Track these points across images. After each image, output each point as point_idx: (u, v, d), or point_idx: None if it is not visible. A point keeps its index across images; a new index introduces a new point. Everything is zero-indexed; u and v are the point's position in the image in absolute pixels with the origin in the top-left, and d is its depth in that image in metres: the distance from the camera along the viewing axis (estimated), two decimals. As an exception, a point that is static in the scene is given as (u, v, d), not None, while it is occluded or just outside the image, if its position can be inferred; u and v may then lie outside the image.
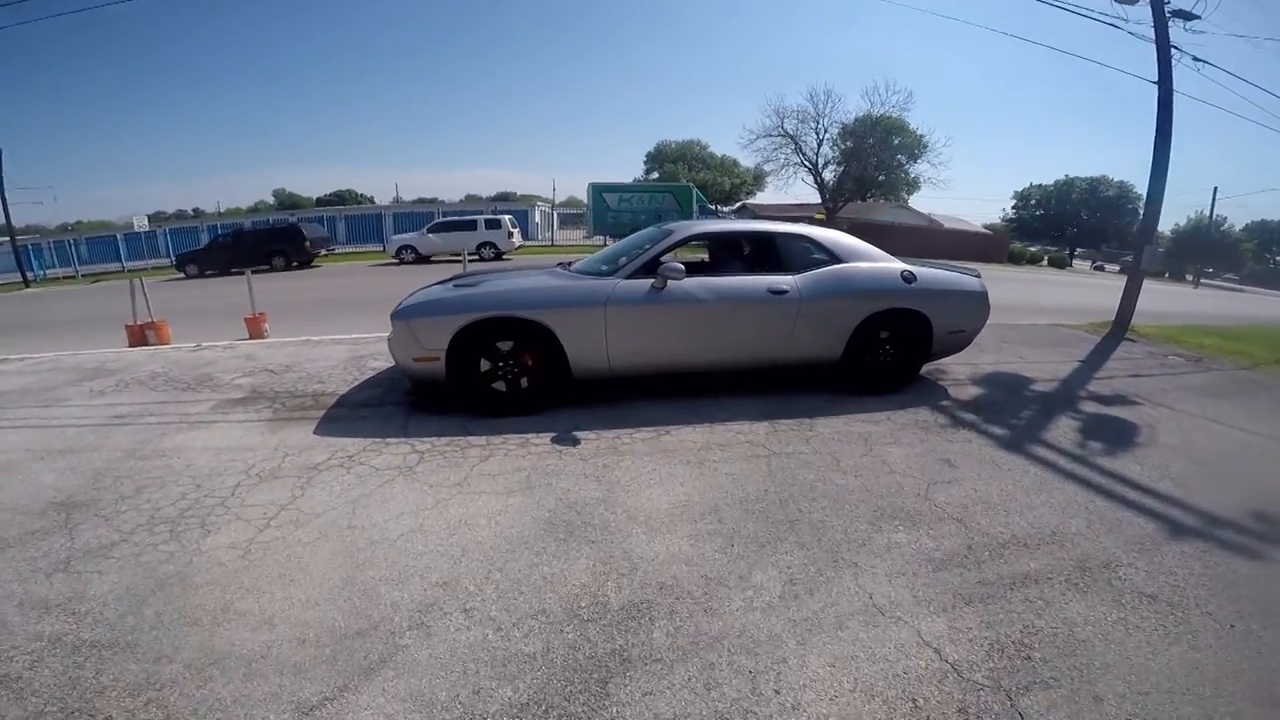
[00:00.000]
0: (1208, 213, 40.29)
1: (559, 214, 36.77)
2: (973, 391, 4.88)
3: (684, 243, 4.38)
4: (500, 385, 3.96)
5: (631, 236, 5.30)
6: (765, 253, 4.60)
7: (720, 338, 4.22)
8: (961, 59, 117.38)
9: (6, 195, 22.74)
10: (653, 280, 4.00)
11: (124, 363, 5.98)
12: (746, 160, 40.70)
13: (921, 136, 33.11)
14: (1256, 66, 9.77)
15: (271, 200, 54.93)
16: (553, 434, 3.71)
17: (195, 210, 52.22)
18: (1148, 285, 9.52)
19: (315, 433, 3.79)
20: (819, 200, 34.40)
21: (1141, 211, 9.50)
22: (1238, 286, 38.99)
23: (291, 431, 3.82)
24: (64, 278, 24.39)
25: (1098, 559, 2.57)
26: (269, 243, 19.68)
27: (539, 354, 3.94)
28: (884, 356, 4.58)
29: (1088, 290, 18.81)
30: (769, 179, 38.61)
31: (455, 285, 4.38)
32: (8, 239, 22.94)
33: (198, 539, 2.59)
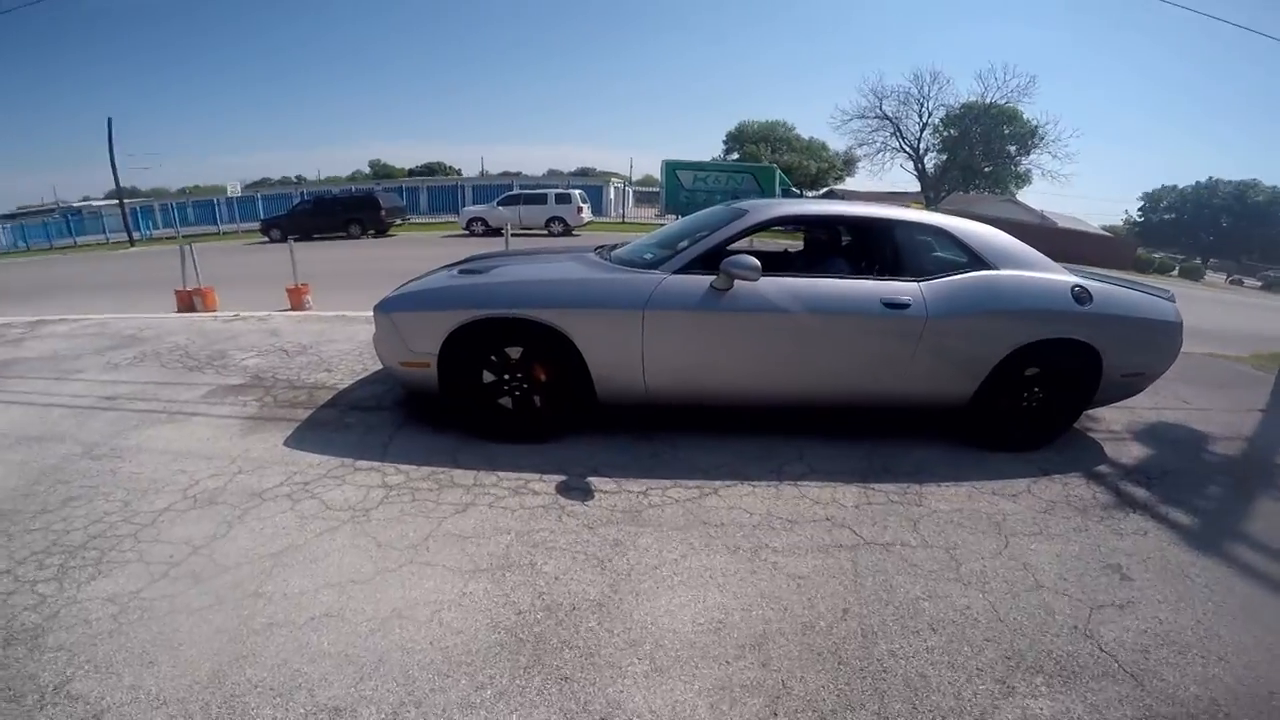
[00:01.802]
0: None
1: (634, 191, 35.99)
2: (1136, 451, 3.65)
3: (761, 227, 3.25)
4: (507, 402, 3.10)
5: (694, 216, 4.16)
6: (877, 248, 3.39)
7: (804, 364, 3.13)
8: (1096, 39, 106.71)
9: (116, 161, 24.30)
10: (713, 278, 2.96)
11: (157, 331, 5.90)
12: (836, 143, 38.38)
13: (1037, 127, 29.89)
14: None
15: (367, 170, 57.03)
16: (561, 477, 2.83)
17: (298, 177, 55.02)
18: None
19: (285, 443, 3.12)
20: (917, 189, 31.87)
21: None
22: None
23: (262, 438, 3.19)
24: (165, 239, 25.90)
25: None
26: (346, 211, 20.03)
27: (554, 367, 3.04)
28: (1029, 401, 3.34)
29: (1232, 309, 16.25)
30: (861, 163, 36.25)
31: (460, 271, 3.51)
32: (114, 202, 24.56)
33: (81, 582, 2.09)
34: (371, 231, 19.77)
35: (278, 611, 1.94)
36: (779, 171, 25.20)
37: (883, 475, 3.03)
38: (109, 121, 24.73)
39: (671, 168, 23.81)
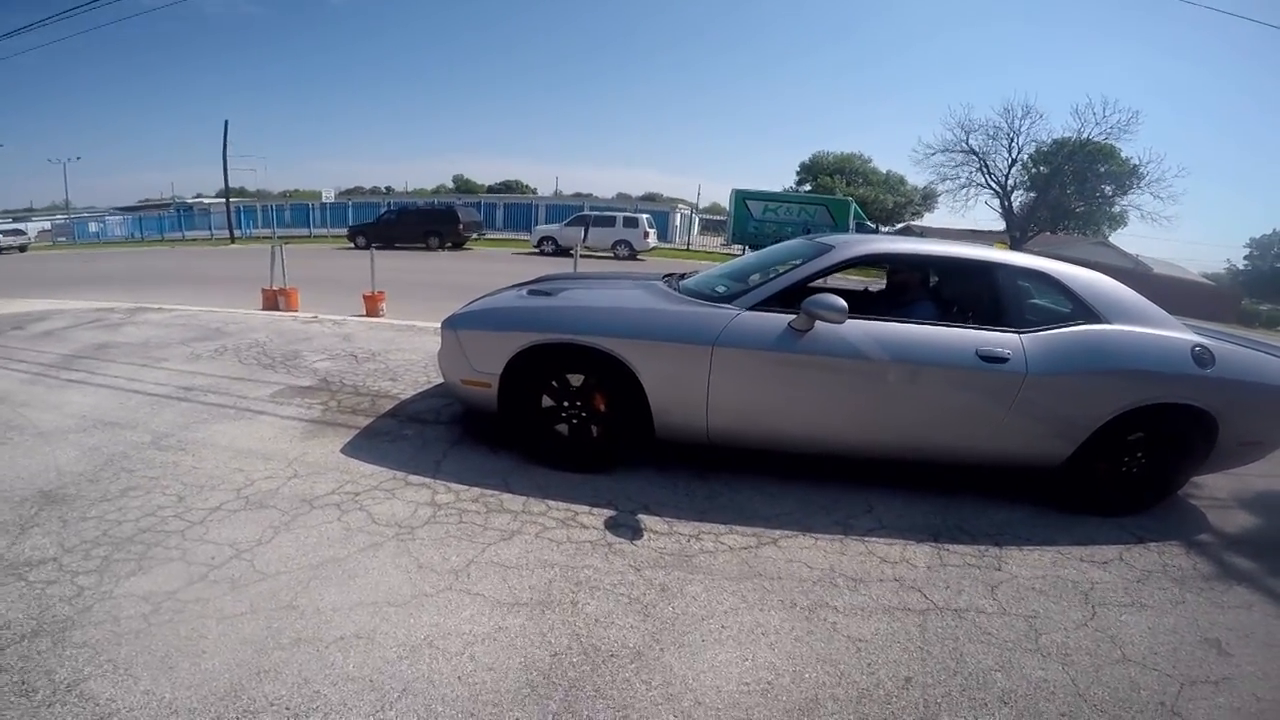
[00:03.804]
0: None
1: (700, 219, 35.96)
2: (1242, 520, 3.21)
3: (849, 265, 3.03)
4: (564, 429, 3.00)
5: (771, 249, 3.99)
6: (973, 293, 3.12)
7: (886, 416, 2.87)
8: (1197, 76, 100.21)
9: (227, 161, 26.39)
10: (792, 317, 2.77)
11: (240, 327, 6.23)
12: (916, 178, 37.26)
13: (1135, 166, 28.01)
14: None
15: (450, 185, 59.69)
16: (611, 512, 2.70)
17: (387, 188, 58.18)
18: None
19: (343, 450, 3.15)
20: (1002, 227, 30.42)
21: None
22: None
23: (321, 442, 3.24)
24: (263, 237, 27.81)
25: None
26: (427, 223, 20.92)
27: (614, 398, 2.91)
28: (1130, 467, 2.99)
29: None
30: (942, 199, 34.95)
31: (530, 292, 3.46)
32: (223, 200, 26.62)
33: (121, 577, 2.08)
34: (449, 244, 20.52)
35: (307, 627, 1.89)
36: (854, 204, 24.52)
37: (958, 535, 2.76)
38: (225, 124, 26.96)
39: (741, 197, 23.50)
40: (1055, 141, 28.70)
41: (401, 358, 5.14)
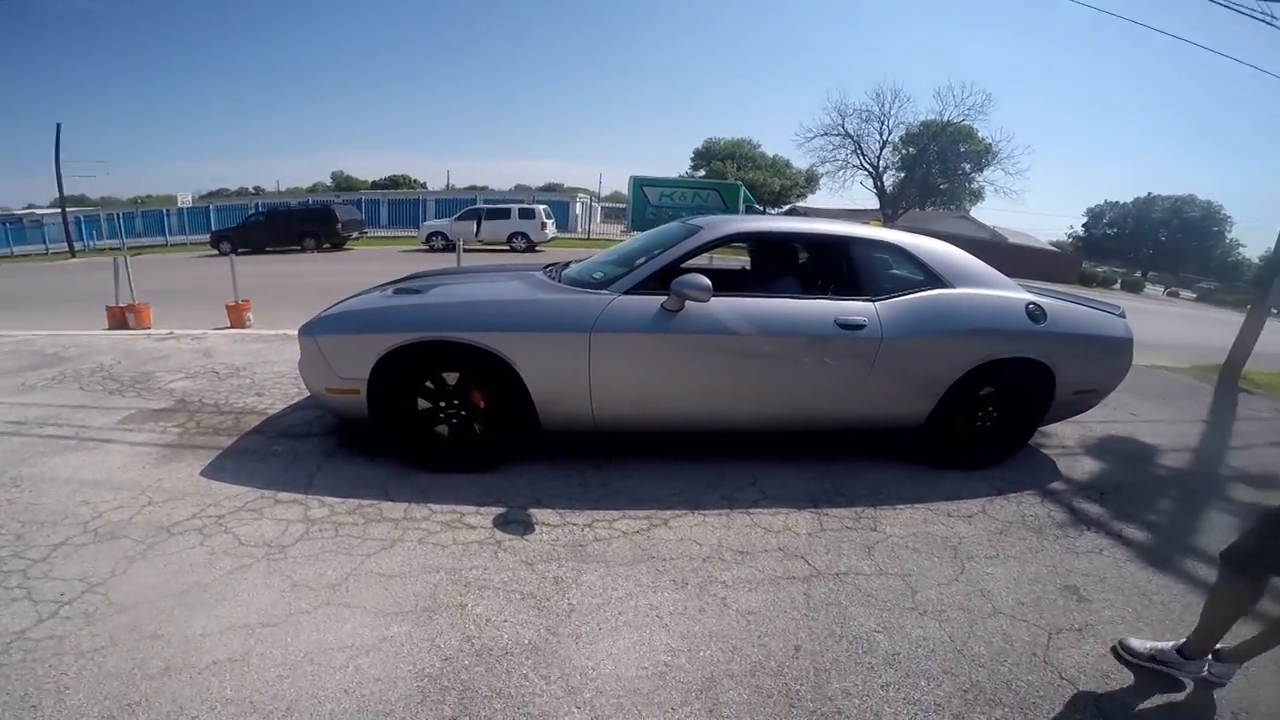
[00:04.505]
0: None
1: (602, 207, 35.94)
2: (1088, 466, 3.65)
3: (716, 244, 3.14)
4: (444, 429, 2.90)
5: (650, 233, 4.04)
6: (833, 266, 3.30)
7: (758, 388, 3.01)
8: (1049, 55, 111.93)
9: (61, 168, 23.28)
10: (664, 299, 2.85)
11: (82, 350, 5.55)
12: (800, 161, 39.24)
13: (990, 145, 31.04)
14: None
15: (329, 182, 55.80)
16: (501, 510, 2.65)
17: (255, 189, 53.42)
18: (1225, 316, 8.02)
19: (203, 473, 2.88)
20: (876, 206, 32.68)
21: (1228, 235, 8.04)
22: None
23: (179, 467, 2.95)
24: (111, 249, 24.82)
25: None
26: (301, 223, 19.50)
27: (494, 393, 2.85)
28: (983, 420, 3.30)
29: (1171, 321, 16.95)
30: (823, 180, 37.12)
31: (396, 291, 3.30)
32: (59, 210, 23.49)
33: None
34: (327, 245, 19.23)
35: (176, 655, 1.77)
36: (743, 188, 25.47)
37: (836, 499, 2.94)
38: (58, 127, 23.83)
39: (638, 184, 23.83)
40: (922, 124, 31.21)
41: (269, 370, 4.77)
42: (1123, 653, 2.00)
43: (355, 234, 20.79)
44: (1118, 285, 33.48)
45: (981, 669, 1.90)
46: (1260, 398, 6.39)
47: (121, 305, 6.96)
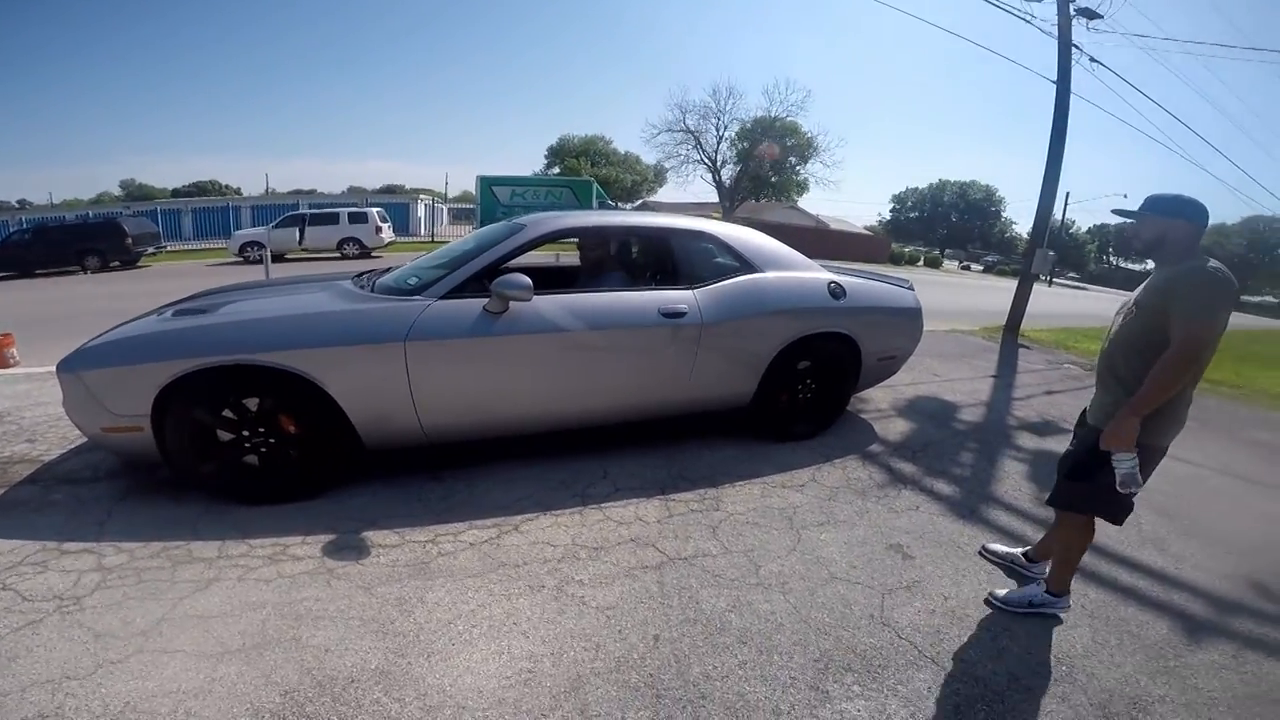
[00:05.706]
0: (1059, 216, 44.51)
1: (450, 209, 34.35)
2: (900, 427, 4.11)
3: (540, 242, 3.06)
4: (253, 459, 2.58)
5: (476, 232, 3.92)
6: (654, 258, 3.46)
7: (591, 382, 3.02)
8: (860, 58, 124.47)
9: None
10: (486, 300, 2.75)
11: None
12: (649, 156, 40.29)
13: (812, 139, 34.04)
14: (1138, 72, 10.08)
15: (118, 192, 47.74)
16: (330, 536, 2.42)
17: (20, 202, 44.19)
18: (1006, 284, 9.60)
19: (-41, 536, 2.32)
20: (716, 199, 34.53)
21: (1003, 214, 9.64)
22: (1081, 285, 43.61)
23: (-78, 536, 2.35)
24: None
25: (1123, 694, 1.87)
26: (80, 240, 16.39)
27: (304, 416, 2.58)
28: (804, 393, 3.61)
29: (963, 290, 19.75)
30: (669, 176, 38.42)
31: (176, 313, 2.90)
32: None
33: None
34: (115, 264, 16.44)
35: None
36: (596, 185, 25.57)
37: (681, 483, 3.04)
38: None
39: (487, 184, 22.88)
40: (755, 120, 33.37)
41: (41, 413, 3.94)
42: (996, 603, 2.23)
43: (151, 249, 17.93)
44: (921, 262, 38.33)
45: (827, 637, 2.01)
46: (1035, 351, 7.69)
47: None
